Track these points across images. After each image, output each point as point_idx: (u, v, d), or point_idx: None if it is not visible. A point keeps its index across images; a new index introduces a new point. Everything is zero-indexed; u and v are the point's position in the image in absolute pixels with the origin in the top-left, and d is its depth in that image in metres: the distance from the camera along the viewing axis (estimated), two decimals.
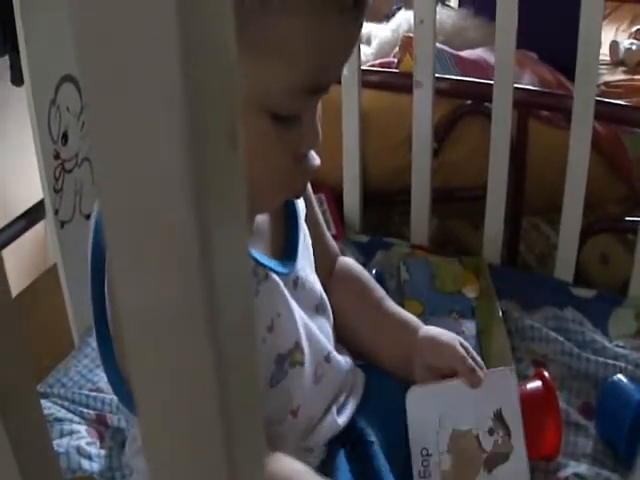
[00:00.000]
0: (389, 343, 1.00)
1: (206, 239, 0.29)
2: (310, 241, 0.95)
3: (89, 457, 1.06)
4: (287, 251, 0.90)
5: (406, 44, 1.56)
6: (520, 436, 0.92)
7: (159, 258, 0.30)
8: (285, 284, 0.86)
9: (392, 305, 1.04)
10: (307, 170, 0.80)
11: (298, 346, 0.86)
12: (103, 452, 1.08)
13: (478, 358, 0.97)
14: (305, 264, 0.91)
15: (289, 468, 0.81)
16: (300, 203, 0.94)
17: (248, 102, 0.71)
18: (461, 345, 0.97)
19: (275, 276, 0.84)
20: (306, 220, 0.95)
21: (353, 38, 0.74)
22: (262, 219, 0.88)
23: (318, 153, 0.81)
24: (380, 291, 1.05)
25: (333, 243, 1.06)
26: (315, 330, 0.90)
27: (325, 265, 1.01)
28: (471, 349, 0.98)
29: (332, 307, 0.98)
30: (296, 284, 0.89)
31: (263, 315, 0.83)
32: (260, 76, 0.70)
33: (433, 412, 0.94)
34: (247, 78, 0.70)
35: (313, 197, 0.99)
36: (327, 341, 0.93)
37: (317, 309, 0.93)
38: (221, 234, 0.30)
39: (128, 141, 0.28)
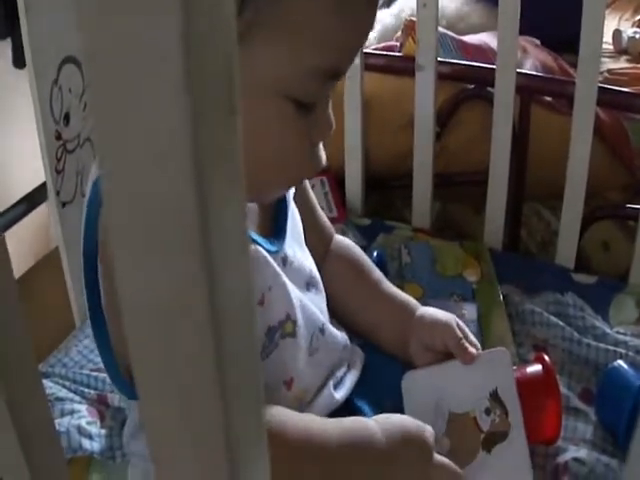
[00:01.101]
0: (387, 323, 1.01)
1: (206, 216, 0.29)
2: (299, 219, 0.95)
3: (89, 436, 1.06)
4: (275, 230, 0.90)
5: (408, 28, 1.55)
6: (518, 414, 0.92)
7: (160, 242, 0.30)
8: (274, 260, 0.86)
9: (389, 286, 1.05)
10: (315, 162, 0.80)
11: (289, 317, 0.86)
12: (104, 432, 1.08)
13: (474, 339, 0.98)
14: (293, 242, 0.92)
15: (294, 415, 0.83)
16: None
17: (269, 87, 0.72)
18: (457, 325, 0.98)
19: (264, 251, 0.84)
20: (296, 200, 0.95)
21: (371, 21, 0.75)
22: None
23: (329, 143, 0.81)
24: (377, 273, 1.06)
25: (327, 222, 1.07)
26: (308, 303, 0.90)
27: (319, 244, 1.02)
28: (467, 330, 0.99)
29: (328, 288, 0.98)
30: (285, 261, 0.89)
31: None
32: (284, 59, 0.71)
33: (429, 396, 0.94)
34: (271, 61, 0.70)
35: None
36: (320, 314, 0.93)
37: (307, 286, 0.93)
38: (221, 208, 0.30)
39: (128, 109, 0.28)
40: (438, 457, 0.86)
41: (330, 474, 0.83)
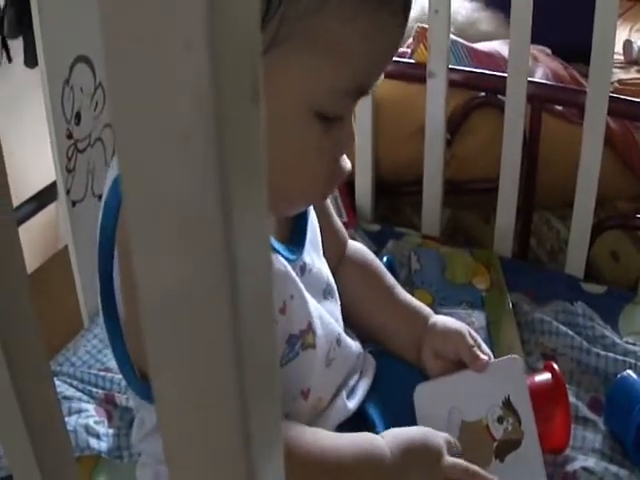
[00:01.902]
0: (400, 330, 1.01)
1: (227, 213, 0.29)
2: (317, 226, 0.95)
3: (97, 436, 1.06)
4: (294, 237, 0.90)
5: (420, 35, 1.55)
6: (531, 422, 0.92)
7: (180, 238, 0.30)
8: (293, 269, 0.85)
9: (403, 293, 1.04)
10: (340, 174, 0.80)
11: (310, 327, 0.86)
12: (111, 431, 1.08)
13: (486, 348, 0.98)
14: (312, 250, 0.92)
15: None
16: None
17: (298, 104, 0.72)
18: (469, 334, 0.97)
19: (283, 260, 0.84)
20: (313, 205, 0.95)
21: (399, 40, 0.75)
22: None
23: (350, 154, 0.81)
24: (391, 278, 1.06)
25: (342, 229, 1.06)
26: (325, 314, 0.90)
27: (334, 251, 1.01)
28: (479, 338, 0.99)
29: (343, 293, 0.98)
30: (303, 270, 0.89)
31: (275, 298, 0.82)
32: (313, 77, 0.70)
33: (441, 407, 0.94)
34: (300, 78, 0.70)
35: None
36: (337, 324, 0.93)
37: (324, 294, 0.93)
38: (243, 206, 0.30)
39: (148, 100, 0.28)
40: (449, 459, 0.86)
41: None
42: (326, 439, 0.84)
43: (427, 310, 1.03)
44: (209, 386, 0.32)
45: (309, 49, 0.69)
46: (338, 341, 0.92)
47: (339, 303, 0.96)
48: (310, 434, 0.83)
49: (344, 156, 0.80)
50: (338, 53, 0.70)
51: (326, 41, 0.69)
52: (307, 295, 0.86)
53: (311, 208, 0.93)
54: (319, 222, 0.96)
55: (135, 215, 0.30)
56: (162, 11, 0.26)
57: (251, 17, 0.28)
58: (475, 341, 0.97)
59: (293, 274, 0.85)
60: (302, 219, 0.91)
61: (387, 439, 0.86)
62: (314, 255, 0.92)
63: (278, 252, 0.84)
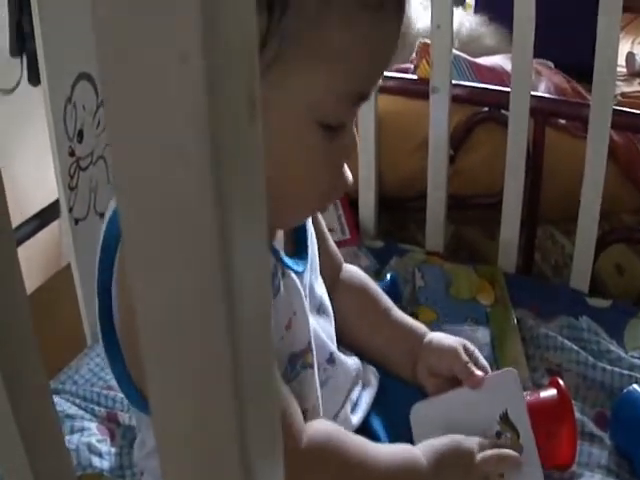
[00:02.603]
0: (396, 350, 1.01)
1: (225, 231, 0.28)
2: (316, 243, 0.95)
3: (99, 454, 1.05)
4: (298, 250, 0.90)
5: (423, 50, 1.55)
6: (529, 436, 0.91)
7: (176, 254, 0.29)
8: (301, 282, 0.85)
9: (399, 313, 1.05)
10: (344, 183, 0.79)
11: (309, 346, 0.86)
12: (114, 450, 1.07)
13: (484, 361, 0.97)
14: (312, 264, 0.91)
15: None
16: None
17: (298, 116, 0.71)
18: (465, 348, 0.97)
19: (293, 274, 0.84)
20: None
21: (397, 42, 0.75)
22: None
23: (352, 164, 0.81)
24: (387, 300, 1.06)
25: (337, 252, 1.06)
26: (319, 331, 0.90)
27: (330, 272, 1.01)
28: (477, 352, 0.98)
29: (338, 315, 0.98)
30: (306, 283, 0.88)
31: (283, 312, 0.83)
32: (317, 83, 0.70)
33: (438, 427, 0.93)
34: (302, 89, 0.70)
35: None
36: (330, 342, 0.93)
37: (318, 310, 0.93)
38: (242, 223, 0.29)
39: (144, 117, 0.27)
40: (480, 455, 0.87)
41: None
42: (367, 446, 0.85)
43: (423, 329, 1.03)
44: (206, 401, 0.32)
45: (311, 61, 0.69)
46: (329, 360, 0.91)
47: (333, 321, 0.96)
48: (351, 440, 0.84)
49: (346, 167, 0.79)
50: (339, 62, 0.70)
51: (327, 51, 0.69)
52: (308, 311, 0.86)
53: (311, 227, 0.93)
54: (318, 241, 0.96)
55: (130, 231, 0.30)
56: (158, 28, 0.26)
57: (248, 37, 0.28)
58: (471, 355, 0.97)
59: (300, 288, 0.85)
60: (302, 233, 0.91)
61: (422, 449, 0.87)
62: (312, 271, 0.92)
63: (287, 266, 0.84)
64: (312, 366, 0.86)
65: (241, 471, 0.33)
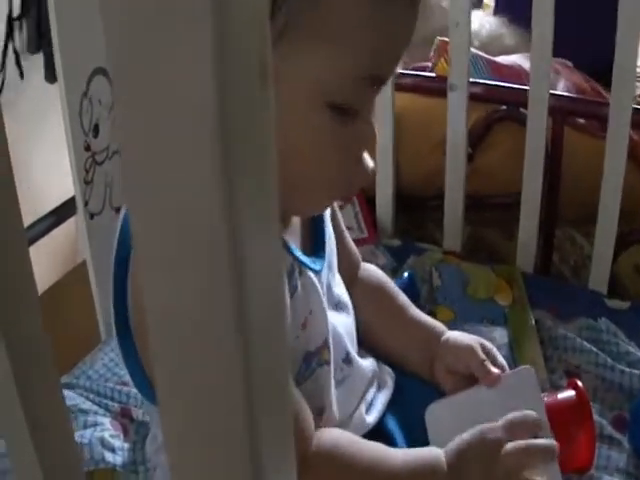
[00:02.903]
0: (413, 349, 1.00)
1: (235, 223, 0.28)
2: (334, 241, 0.94)
3: (112, 449, 1.05)
4: (316, 249, 0.88)
5: (441, 48, 1.54)
6: (547, 435, 0.90)
7: (187, 254, 0.29)
8: (318, 280, 0.84)
9: (416, 312, 1.03)
10: (362, 173, 0.77)
11: (326, 344, 0.85)
12: (127, 445, 1.07)
13: (501, 360, 0.96)
14: (329, 261, 0.90)
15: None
16: None
17: (307, 94, 0.70)
18: (483, 346, 0.96)
19: (310, 273, 0.83)
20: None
21: (411, 25, 0.73)
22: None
23: (372, 155, 0.79)
24: (404, 298, 1.05)
25: (356, 251, 1.05)
26: (338, 328, 0.89)
27: (348, 271, 1.00)
28: (494, 351, 0.97)
29: (357, 312, 0.97)
30: (324, 281, 0.87)
31: (300, 311, 0.82)
32: (321, 63, 0.69)
33: (453, 427, 0.91)
34: (309, 67, 0.69)
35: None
36: (349, 341, 0.92)
37: (336, 306, 0.91)
38: (252, 220, 0.29)
39: (153, 88, 0.27)
40: (508, 445, 0.83)
41: None
42: (381, 452, 0.83)
43: (440, 327, 1.01)
44: (217, 404, 0.32)
45: (317, 38, 0.68)
46: (346, 360, 0.90)
47: (353, 317, 0.95)
48: (362, 447, 0.83)
49: (366, 157, 0.77)
50: (345, 41, 0.69)
51: (332, 29, 0.68)
52: (326, 309, 0.85)
53: (329, 225, 0.92)
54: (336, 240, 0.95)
55: (140, 230, 0.29)
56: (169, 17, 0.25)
57: (260, 5, 0.27)
58: (489, 353, 0.95)
59: (318, 286, 0.84)
60: (320, 228, 0.90)
61: (446, 450, 0.84)
62: (328, 270, 0.91)
63: (304, 264, 0.83)
64: (328, 363, 0.85)
65: (252, 471, 0.32)
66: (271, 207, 0.30)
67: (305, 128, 0.72)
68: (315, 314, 0.83)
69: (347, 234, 1.03)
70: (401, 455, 0.84)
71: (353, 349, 0.92)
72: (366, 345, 0.99)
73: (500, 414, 0.91)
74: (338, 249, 0.95)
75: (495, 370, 0.93)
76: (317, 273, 0.85)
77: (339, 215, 1.00)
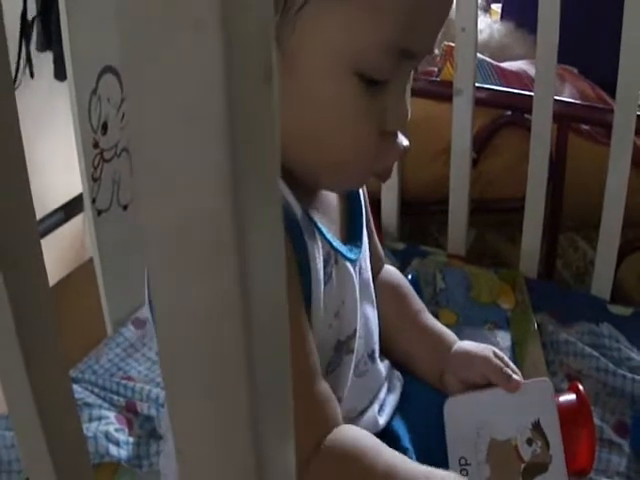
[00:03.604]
0: (424, 357, 0.99)
1: (241, 218, 0.28)
2: (367, 235, 0.92)
3: (117, 443, 1.05)
4: (352, 237, 0.87)
5: (447, 53, 1.55)
6: (559, 447, 0.90)
7: (193, 249, 0.29)
8: (354, 270, 0.83)
9: (429, 318, 1.02)
10: (394, 149, 0.75)
11: (355, 333, 0.84)
12: (131, 439, 1.07)
13: (513, 366, 0.96)
14: (365, 255, 0.89)
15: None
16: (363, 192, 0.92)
17: (333, 60, 0.68)
18: (495, 354, 0.95)
19: (346, 262, 0.82)
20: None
21: (444, 6, 0.71)
22: (332, 202, 0.85)
23: (405, 133, 0.76)
24: (418, 303, 1.04)
25: (381, 250, 1.04)
26: (371, 323, 0.89)
27: (373, 267, 1.00)
28: (506, 358, 0.96)
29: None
30: (360, 272, 0.86)
31: (334, 301, 0.80)
32: (351, 30, 0.67)
33: (471, 421, 0.92)
34: (337, 32, 0.67)
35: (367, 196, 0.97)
36: (377, 338, 0.91)
37: (373, 304, 0.91)
38: (257, 216, 0.29)
39: (159, 82, 0.27)
40: None
41: None
42: (397, 458, 0.80)
43: (451, 336, 1.00)
44: (223, 403, 0.32)
45: (346, 2, 0.66)
46: (370, 356, 0.90)
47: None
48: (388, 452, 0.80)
49: (400, 135, 0.75)
50: (375, 8, 0.66)
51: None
52: (359, 299, 0.85)
53: (364, 209, 0.91)
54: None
55: (149, 226, 0.29)
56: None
57: (264, 12, 0.27)
58: (502, 360, 0.95)
59: (353, 275, 0.83)
60: (357, 219, 0.89)
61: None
62: (365, 263, 0.90)
63: (341, 253, 0.81)
64: (352, 352, 0.85)
65: (254, 460, 0.33)
66: (274, 201, 0.30)
67: (332, 97, 0.69)
68: (348, 303, 0.82)
69: (375, 234, 1.02)
70: (421, 470, 0.79)
71: (377, 347, 0.92)
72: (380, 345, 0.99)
73: (517, 419, 0.92)
74: (370, 247, 0.94)
75: (516, 377, 0.93)
76: (353, 262, 0.84)
77: (369, 211, 0.99)
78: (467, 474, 0.89)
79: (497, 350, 0.97)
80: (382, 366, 0.94)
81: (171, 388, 0.33)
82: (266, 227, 0.30)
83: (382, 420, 0.91)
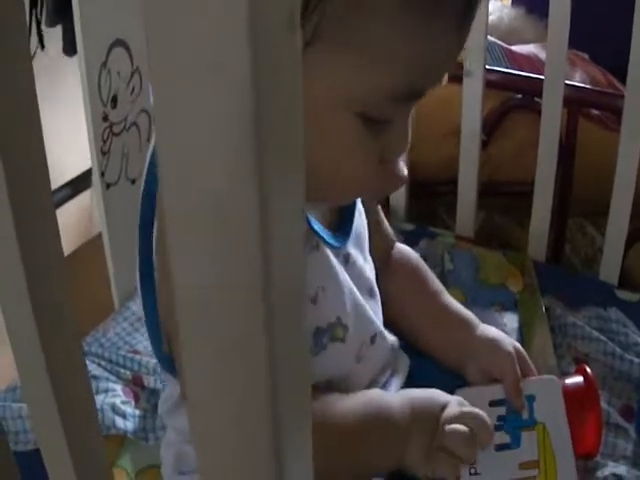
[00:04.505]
0: (443, 338, 0.99)
1: (264, 196, 0.28)
2: (365, 222, 0.93)
3: (123, 415, 1.06)
4: (341, 225, 0.87)
5: None
6: (568, 455, 0.89)
7: (214, 226, 0.29)
8: (336, 257, 0.84)
9: (449, 299, 1.02)
10: (394, 178, 0.76)
11: (340, 321, 0.84)
12: (137, 412, 1.08)
13: (532, 366, 0.95)
14: (356, 244, 0.89)
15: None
16: None
17: (341, 99, 0.68)
18: (517, 350, 0.95)
19: (326, 248, 0.82)
20: (363, 203, 0.93)
21: (455, 45, 0.69)
22: None
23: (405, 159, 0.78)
24: (437, 283, 1.03)
25: (389, 229, 1.04)
26: (368, 310, 0.88)
27: (381, 250, 0.99)
28: (526, 355, 0.96)
29: (388, 293, 0.96)
30: (347, 260, 0.87)
31: (309, 285, 0.81)
32: (362, 76, 0.67)
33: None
34: (340, 77, 0.67)
35: None
36: (377, 322, 0.91)
37: (370, 293, 0.91)
38: (280, 192, 0.29)
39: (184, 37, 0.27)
40: (451, 426, 0.83)
41: (344, 444, 0.83)
42: (334, 397, 0.83)
43: (473, 319, 1.00)
44: (241, 382, 0.32)
45: (350, 47, 0.65)
46: (373, 339, 0.90)
47: (380, 304, 0.94)
48: (320, 397, 0.82)
49: (401, 163, 0.76)
50: (380, 54, 0.66)
51: (367, 41, 0.65)
52: (345, 286, 0.84)
53: (360, 206, 0.91)
54: (367, 219, 0.94)
55: (171, 207, 0.29)
56: None
57: None
58: (523, 359, 0.95)
59: (334, 261, 0.83)
60: (349, 208, 0.89)
61: (395, 397, 0.85)
62: (358, 250, 0.90)
63: (322, 238, 0.81)
64: (342, 340, 0.85)
65: (270, 437, 0.33)
66: (298, 175, 0.30)
67: (332, 131, 0.70)
68: (328, 290, 0.82)
69: (382, 213, 1.02)
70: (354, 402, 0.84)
71: (380, 330, 0.92)
72: (391, 323, 0.98)
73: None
74: (372, 227, 0.94)
75: (523, 401, 0.92)
76: (335, 249, 0.84)
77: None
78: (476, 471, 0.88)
79: (519, 347, 0.96)
80: (389, 339, 0.94)
81: (190, 368, 0.33)
82: (289, 196, 0.30)
83: None
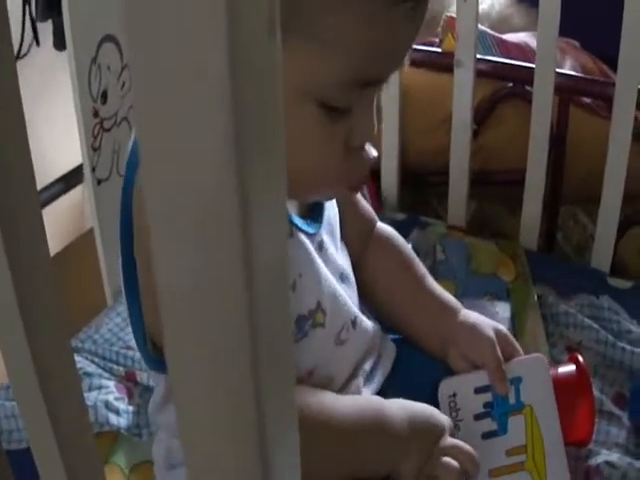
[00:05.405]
0: (425, 323, 0.98)
1: (245, 194, 0.28)
2: (337, 213, 0.93)
3: (117, 412, 1.06)
4: (312, 211, 0.87)
5: (448, 24, 1.54)
6: (556, 438, 0.89)
7: (196, 223, 0.29)
8: (311, 243, 0.84)
9: (432, 283, 1.01)
10: (362, 163, 0.76)
11: (320, 307, 0.84)
12: (131, 408, 1.08)
13: (518, 347, 0.95)
14: (329, 231, 0.89)
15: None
16: None
17: (297, 90, 0.69)
18: (499, 334, 0.95)
19: (301, 235, 0.82)
20: None
21: (408, 32, 0.70)
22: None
23: (374, 145, 0.78)
24: (421, 267, 1.03)
25: (369, 208, 1.03)
26: (342, 294, 0.88)
27: (360, 231, 0.99)
28: (510, 336, 0.96)
29: (369, 275, 0.96)
30: (321, 246, 0.87)
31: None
32: (310, 65, 0.68)
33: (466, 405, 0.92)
34: (297, 66, 0.67)
35: None
36: (354, 307, 0.91)
37: (342, 278, 0.91)
38: (261, 188, 0.29)
39: (164, 41, 0.27)
40: (449, 439, 0.84)
41: (341, 450, 0.83)
42: (332, 398, 0.83)
43: (455, 304, 0.99)
44: (225, 374, 0.32)
45: (304, 39, 0.66)
46: (353, 323, 0.90)
47: (355, 289, 0.94)
48: (318, 397, 0.82)
49: (368, 145, 0.76)
50: (329, 42, 0.67)
51: (316, 29, 0.66)
52: (321, 272, 0.84)
53: None
54: (342, 207, 0.94)
55: (153, 202, 0.29)
56: None
57: None
58: (507, 341, 0.95)
59: (310, 248, 0.83)
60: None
61: (394, 407, 0.85)
62: (330, 238, 0.90)
63: (296, 226, 0.82)
64: (323, 325, 0.85)
65: (257, 433, 0.33)
66: (280, 170, 0.30)
67: (294, 124, 0.70)
68: (306, 277, 0.82)
69: (358, 198, 1.02)
70: (352, 407, 0.84)
71: (359, 312, 0.92)
72: (373, 308, 0.98)
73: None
74: (346, 217, 0.94)
75: (506, 386, 0.92)
76: (310, 236, 0.84)
77: None
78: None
79: (502, 328, 0.96)
80: (369, 324, 0.93)
81: (174, 359, 0.33)
82: (270, 189, 0.30)
83: (368, 391, 0.91)
